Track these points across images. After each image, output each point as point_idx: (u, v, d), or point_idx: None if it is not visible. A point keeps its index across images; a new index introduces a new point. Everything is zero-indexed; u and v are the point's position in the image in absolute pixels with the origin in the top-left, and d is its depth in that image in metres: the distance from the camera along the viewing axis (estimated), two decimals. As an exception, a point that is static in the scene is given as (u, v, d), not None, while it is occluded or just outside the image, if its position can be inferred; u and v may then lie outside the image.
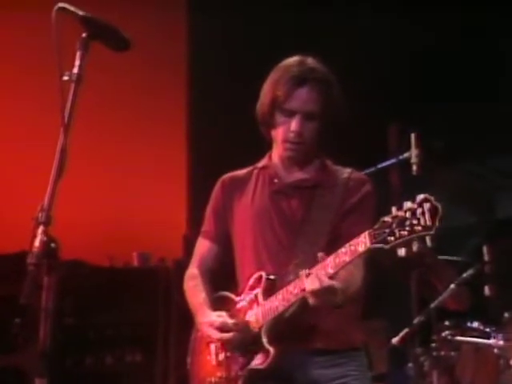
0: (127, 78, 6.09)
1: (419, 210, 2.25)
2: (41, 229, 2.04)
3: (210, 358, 2.75)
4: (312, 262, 2.46)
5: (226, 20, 5.90)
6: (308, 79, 2.65)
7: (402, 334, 3.73)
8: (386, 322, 4.85)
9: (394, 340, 3.75)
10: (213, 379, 2.73)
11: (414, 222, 2.25)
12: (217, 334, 2.65)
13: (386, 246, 2.31)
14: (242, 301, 2.72)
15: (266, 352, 2.55)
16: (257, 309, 2.63)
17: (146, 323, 5.69)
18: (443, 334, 3.85)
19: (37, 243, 2.02)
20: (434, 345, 3.86)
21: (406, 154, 3.84)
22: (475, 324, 3.85)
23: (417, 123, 3.93)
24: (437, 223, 2.22)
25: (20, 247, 3.77)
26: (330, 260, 2.42)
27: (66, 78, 2.16)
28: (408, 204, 2.28)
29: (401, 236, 2.28)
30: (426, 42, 5.36)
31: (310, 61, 2.71)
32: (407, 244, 2.30)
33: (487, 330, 3.78)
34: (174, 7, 6.30)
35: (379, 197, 2.76)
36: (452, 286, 3.80)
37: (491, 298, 3.95)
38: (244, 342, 2.63)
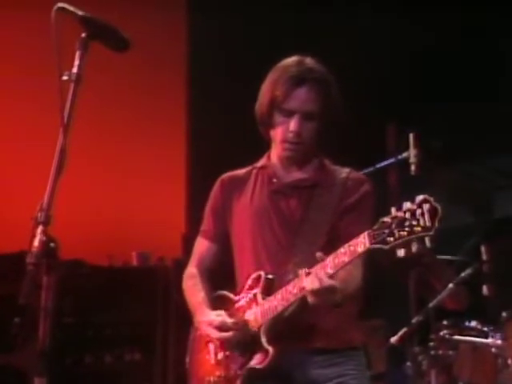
0: (127, 77, 6.10)
1: (419, 211, 2.25)
2: (40, 228, 2.04)
3: (209, 357, 2.76)
4: (311, 262, 2.46)
5: (225, 20, 5.90)
6: (307, 79, 2.65)
7: (400, 334, 3.74)
8: (384, 322, 4.86)
9: (393, 339, 3.75)
10: (212, 378, 2.73)
11: (414, 222, 2.26)
12: (216, 333, 2.66)
13: (386, 247, 2.31)
14: (240, 300, 2.72)
15: (265, 351, 2.56)
16: (256, 308, 2.64)
17: (145, 322, 5.70)
18: (441, 334, 3.86)
19: (36, 243, 2.02)
20: (432, 344, 3.87)
21: (404, 154, 3.84)
22: (473, 323, 3.86)
23: (417, 123, 3.94)
24: (436, 224, 2.23)
25: (19, 247, 3.79)
26: (330, 260, 2.42)
27: (65, 77, 2.16)
28: (407, 204, 2.29)
29: (400, 237, 2.28)
30: (426, 42, 5.37)
31: (309, 61, 2.71)
32: (406, 245, 2.31)
33: (485, 329, 3.79)
34: (174, 7, 6.31)
35: (378, 196, 2.77)
36: (450, 285, 3.81)
37: (489, 297, 3.95)
38: (243, 342, 2.63)
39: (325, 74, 2.71)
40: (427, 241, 2.26)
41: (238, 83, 4.75)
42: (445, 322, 3.91)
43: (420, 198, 2.26)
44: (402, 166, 3.85)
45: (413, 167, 3.79)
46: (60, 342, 4.92)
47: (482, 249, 4.00)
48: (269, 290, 2.62)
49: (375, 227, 2.33)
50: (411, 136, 3.83)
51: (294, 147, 2.71)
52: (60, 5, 2.19)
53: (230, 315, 2.68)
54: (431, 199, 2.25)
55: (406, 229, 2.27)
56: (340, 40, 5.32)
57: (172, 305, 5.54)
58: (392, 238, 2.29)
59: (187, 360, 2.89)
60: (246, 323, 2.64)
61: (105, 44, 2.26)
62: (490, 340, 3.74)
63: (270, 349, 2.55)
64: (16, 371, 5.15)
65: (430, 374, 3.83)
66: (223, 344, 2.69)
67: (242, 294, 2.72)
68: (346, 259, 2.39)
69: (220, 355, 2.72)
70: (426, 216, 2.23)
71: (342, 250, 2.40)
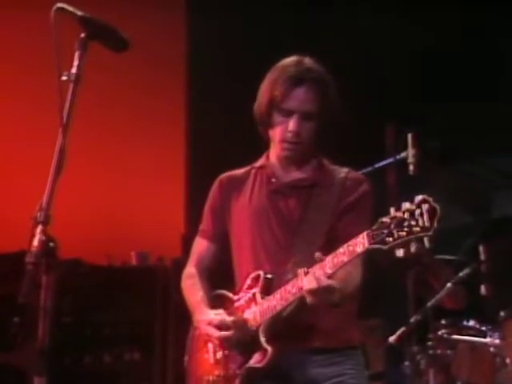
0: (126, 78, 6.10)
1: (418, 211, 2.25)
2: (39, 228, 2.04)
3: (208, 357, 2.76)
4: (309, 262, 2.46)
5: (225, 20, 5.90)
6: (305, 79, 2.66)
7: (398, 333, 3.74)
8: (382, 321, 4.85)
9: (391, 339, 3.75)
10: (210, 377, 2.73)
11: (413, 222, 2.26)
12: (215, 332, 2.66)
13: (385, 247, 2.31)
14: (239, 299, 2.72)
15: (264, 351, 2.56)
16: (255, 308, 2.64)
17: (144, 322, 5.70)
18: (439, 333, 3.86)
19: (35, 242, 2.02)
20: (430, 343, 3.87)
21: (402, 154, 3.84)
22: (471, 323, 3.87)
23: (417, 123, 3.94)
24: (435, 224, 2.23)
25: (19, 246, 3.77)
26: (329, 260, 2.42)
27: (64, 77, 2.16)
28: (406, 205, 2.29)
29: (399, 237, 2.28)
30: (426, 42, 5.37)
31: (308, 61, 2.71)
32: (405, 245, 2.31)
33: (483, 328, 3.80)
34: (174, 7, 6.31)
35: (376, 196, 2.77)
36: (448, 284, 3.81)
37: (487, 296, 3.96)
38: (242, 341, 2.63)
39: (323, 74, 2.71)
40: (426, 241, 2.26)
41: (238, 83, 4.75)
42: (443, 322, 3.91)
43: (419, 198, 2.26)
44: (401, 166, 3.85)
45: (411, 167, 3.80)
46: (59, 342, 4.93)
47: (481, 248, 4.00)
48: (268, 289, 2.62)
49: (374, 227, 2.33)
50: (410, 136, 3.84)
51: (293, 147, 2.71)
52: (59, 5, 2.19)
53: (229, 314, 2.68)
54: (430, 199, 2.25)
55: (405, 229, 2.27)
56: (340, 40, 5.33)
57: (171, 304, 5.54)
58: (391, 239, 2.29)
59: (186, 359, 2.89)
60: (245, 322, 2.64)
61: (104, 44, 2.26)
62: (488, 339, 3.75)
63: (269, 348, 2.55)
64: (15, 370, 5.15)
65: (428, 374, 3.83)
66: (222, 343, 2.69)
67: (241, 294, 2.72)
68: (345, 259, 2.40)
69: (219, 354, 2.72)
70: (425, 216, 2.23)
71: (340, 250, 2.40)
